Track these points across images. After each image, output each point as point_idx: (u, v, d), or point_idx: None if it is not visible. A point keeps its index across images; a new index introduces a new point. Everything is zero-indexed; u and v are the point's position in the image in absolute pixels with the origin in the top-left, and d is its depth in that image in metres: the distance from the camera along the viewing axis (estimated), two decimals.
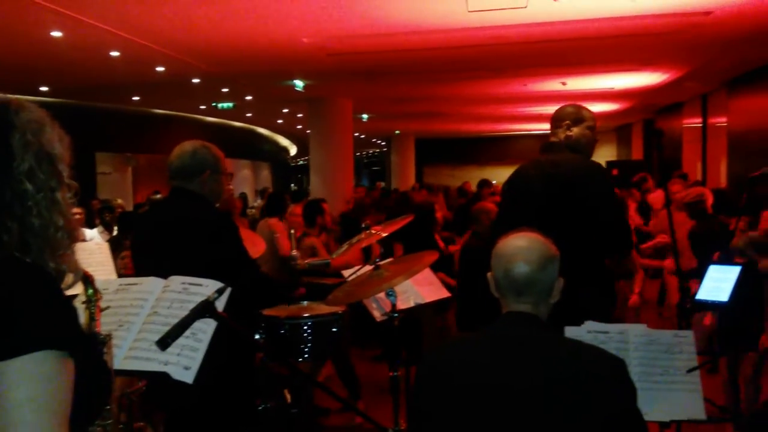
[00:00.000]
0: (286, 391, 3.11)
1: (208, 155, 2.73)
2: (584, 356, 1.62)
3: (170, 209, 2.74)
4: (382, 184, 19.40)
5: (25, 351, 1.02)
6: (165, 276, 2.19)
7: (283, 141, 24.76)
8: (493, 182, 10.82)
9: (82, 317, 1.58)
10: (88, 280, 1.55)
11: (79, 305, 1.57)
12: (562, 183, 2.86)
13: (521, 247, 1.69)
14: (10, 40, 7.23)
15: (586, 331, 2.42)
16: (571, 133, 3.04)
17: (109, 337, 1.56)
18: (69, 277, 1.22)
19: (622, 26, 6.84)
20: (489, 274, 1.75)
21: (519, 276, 1.67)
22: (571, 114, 3.08)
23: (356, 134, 18.78)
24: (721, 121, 11.74)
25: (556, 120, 3.11)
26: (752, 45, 7.96)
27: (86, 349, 1.15)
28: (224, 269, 2.47)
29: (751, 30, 7.12)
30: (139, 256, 2.83)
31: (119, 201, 8.59)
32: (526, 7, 5.98)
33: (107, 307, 1.90)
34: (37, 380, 1.02)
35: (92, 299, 1.54)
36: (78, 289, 1.67)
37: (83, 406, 1.14)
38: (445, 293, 3.84)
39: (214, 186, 2.73)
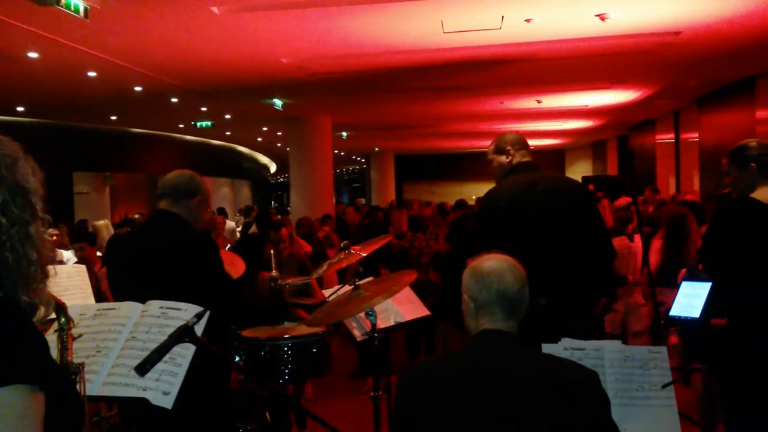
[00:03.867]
0: (267, 414, 3.10)
1: (203, 184, 2.84)
2: (560, 370, 1.68)
3: (157, 230, 2.75)
4: (363, 200, 19.42)
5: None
6: (149, 298, 2.19)
7: (263, 158, 24.72)
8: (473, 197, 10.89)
9: (55, 346, 1.58)
10: (61, 309, 1.54)
11: (52, 334, 1.58)
12: (579, 197, 3.05)
13: (507, 268, 1.75)
14: None
15: (562, 348, 2.47)
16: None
17: (81, 366, 1.55)
18: (41, 310, 1.21)
19: (594, 46, 7.00)
20: (465, 296, 1.77)
21: (513, 294, 1.72)
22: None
23: (336, 151, 18.85)
24: (692, 136, 12.00)
25: (520, 145, 3.16)
26: (720, 63, 8.18)
27: (58, 380, 1.15)
28: (212, 290, 2.51)
29: (719, 49, 7.33)
30: (122, 277, 2.79)
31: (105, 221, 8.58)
32: (500, 29, 6.11)
33: (80, 335, 1.89)
34: (7, 414, 1.01)
35: (65, 328, 1.53)
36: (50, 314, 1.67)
37: None
38: (425, 311, 3.86)
39: (201, 213, 2.79)
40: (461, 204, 10.05)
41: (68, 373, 1.60)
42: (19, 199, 1.16)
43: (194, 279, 2.50)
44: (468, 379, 1.65)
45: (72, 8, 4.88)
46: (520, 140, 3.18)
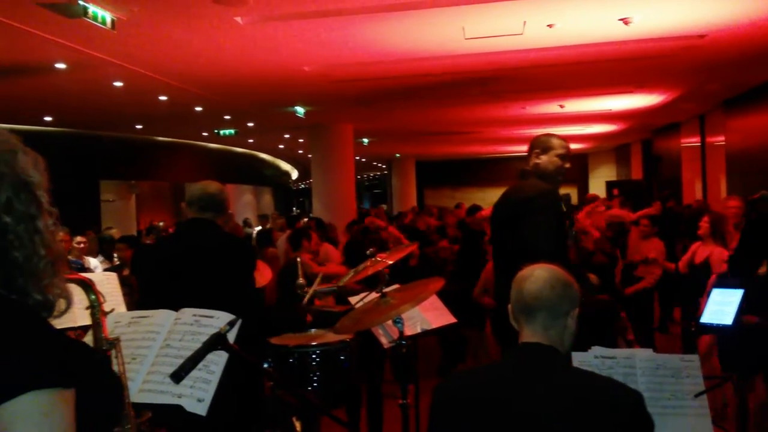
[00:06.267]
0: (294, 419, 3.12)
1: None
2: (602, 390, 1.61)
3: (202, 236, 2.79)
4: (384, 207, 19.40)
5: (14, 394, 0.98)
6: (199, 303, 2.22)
7: (285, 165, 24.88)
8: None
9: (87, 322, 1.59)
10: (89, 286, 1.55)
11: (84, 311, 1.58)
12: (509, 209, 3.19)
13: (534, 271, 1.75)
14: (15, 71, 7.33)
15: (593, 356, 2.43)
16: (539, 161, 3.24)
17: (117, 341, 1.56)
18: (61, 303, 1.16)
19: (618, 50, 6.94)
20: (509, 306, 1.78)
21: (528, 294, 1.70)
22: (541, 142, 3.28)
23: (357, 158, 18.89)
24: (719, 140, 11.82)
25: (529, 147, 3.29)
26: (746, 66, 8.06)
27: (82, 369, 1.10)
28: (252, 296, 2.61)
29: (744, 52, 7.23)
30: (162, 283, 2.81)
31: (113, 231, 8.69)
32: (522, 34, 6.09)
33: (112, 310, 1.91)
34: (31, 421, 0.98)
35: (95, 304, 1.54)
36: (87, 319, 1.70)
37: (99, 419, 1.15)
38: (451, 319, 3.84)
39: (229, 222, 2.88)
40: (473, 209, 9.90)
41: (100, 351, 1.60)
42: (23, 194, 1.11)
43: (242, 284, 2.60)
44: (498, 392, 1.63)
45: (99, 20, 4.97)
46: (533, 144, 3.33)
